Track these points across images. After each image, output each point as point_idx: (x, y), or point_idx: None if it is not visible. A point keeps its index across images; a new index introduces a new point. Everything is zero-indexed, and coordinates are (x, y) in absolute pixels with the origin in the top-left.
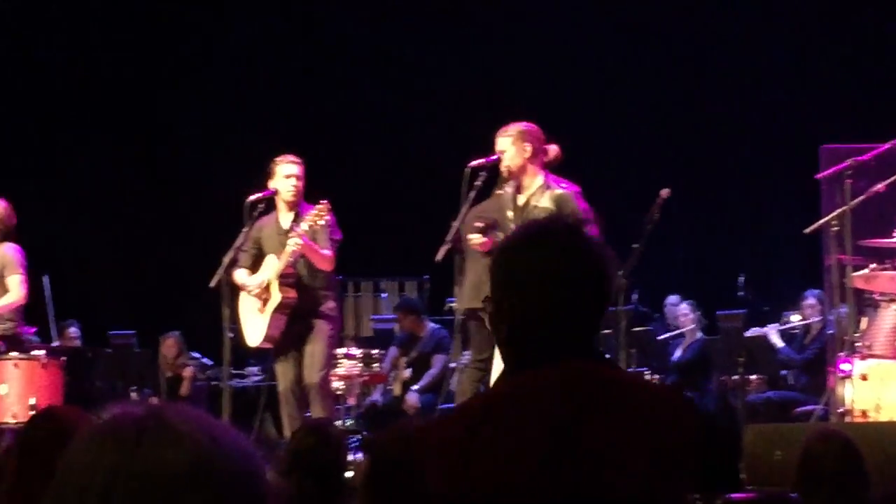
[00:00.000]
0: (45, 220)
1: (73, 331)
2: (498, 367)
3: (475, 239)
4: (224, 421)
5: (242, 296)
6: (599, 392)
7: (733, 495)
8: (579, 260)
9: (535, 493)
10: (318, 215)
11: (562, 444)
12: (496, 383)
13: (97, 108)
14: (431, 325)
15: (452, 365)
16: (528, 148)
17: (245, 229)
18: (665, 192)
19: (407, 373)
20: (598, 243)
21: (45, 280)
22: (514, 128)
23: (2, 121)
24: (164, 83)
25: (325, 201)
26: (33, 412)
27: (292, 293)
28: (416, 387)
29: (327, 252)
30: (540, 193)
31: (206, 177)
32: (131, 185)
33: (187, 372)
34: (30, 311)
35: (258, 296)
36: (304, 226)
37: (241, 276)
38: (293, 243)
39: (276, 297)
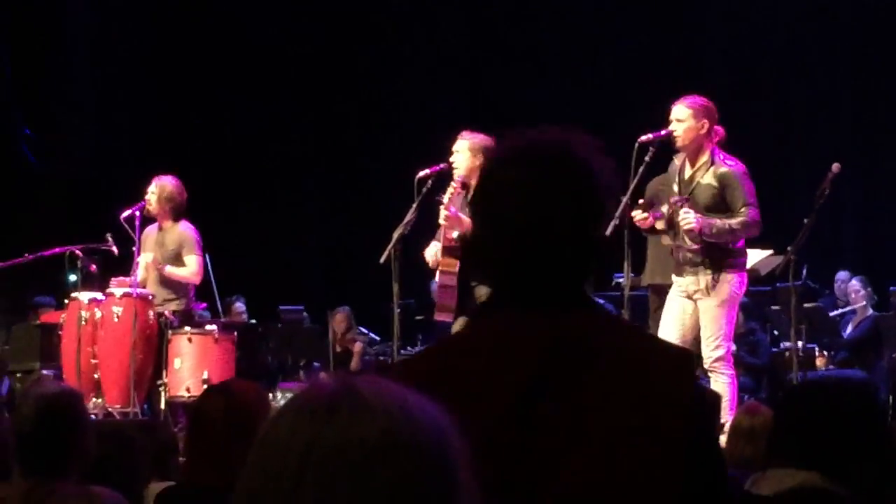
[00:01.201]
0: (212, 196)
1: (238, 306)
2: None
3: (637, 215)
4: (415, 392)
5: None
6: (576, 353)
7: None
8: (566, 180)
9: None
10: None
11: (521, 422)
12: (460, 329)
13: (266, 79)
14: (598, 300)
15: None
16: (706, 124)
17: (414, 205)
18: (836, 167)
19: None
20: (596, 167)
21: (207, 259)
22: (695, 100)
23: (164, 93)
24: (346, 59)
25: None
26: (206, 386)
27: (452, 262)
28: None
29: (467, 220)
30: (706, 169)
31: (376, 152)
32: (301, 159)
33: (357, 346)
34: (197, 286)
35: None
36: (444, 198)
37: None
38: (443, 216)
39: (441, 268)
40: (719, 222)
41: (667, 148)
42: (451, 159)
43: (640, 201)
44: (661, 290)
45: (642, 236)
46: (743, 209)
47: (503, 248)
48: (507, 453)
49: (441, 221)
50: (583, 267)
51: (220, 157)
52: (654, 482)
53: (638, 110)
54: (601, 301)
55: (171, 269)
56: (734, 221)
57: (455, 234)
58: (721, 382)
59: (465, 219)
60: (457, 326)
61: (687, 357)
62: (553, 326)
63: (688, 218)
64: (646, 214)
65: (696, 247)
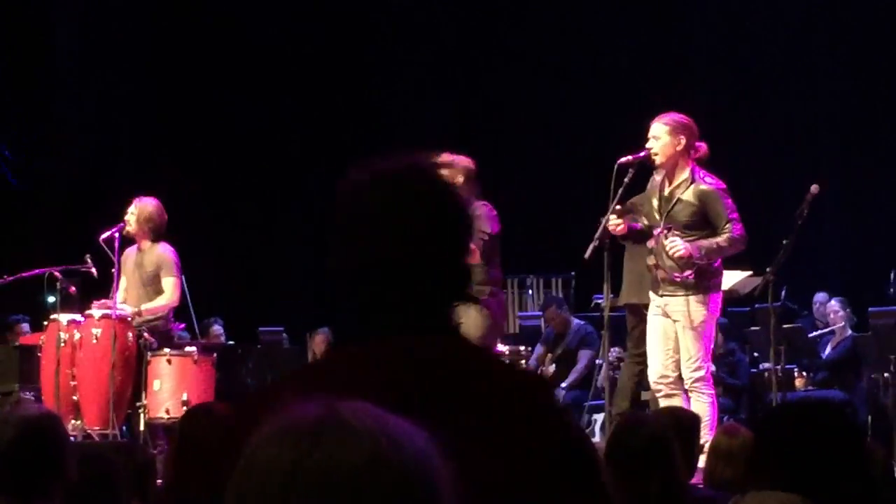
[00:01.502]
0: (188, 215)
1: (216, 328)
2: (652, 360)
3: (612, 221)
4: (399, 418)
5: None
6: (438, 378)
7: None
8: (422, 206)
9: None
10: None
11: None
12: (322, 355)
13: (249, 94)
14: (577, 321)
15: (599, 361)
16: (682, 140)
17: None
18: (815, 189)
19: (552, 369)
20: (451, 192)
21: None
22: (672, 118)
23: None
24: (313, 69)
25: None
26: (186, 408)
27: None
28: (564, 384)
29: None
30: (685, 187)
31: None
32: (281, 181)
33: None
34: (175, 309)
35: None
36: None
37: None
38: None
39: None
40: (706, 243)
41: (648, 168)
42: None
43: (618, 207)
44: (637, 310)
45: (621, 258)
46: (727, 225)
47: (361, 277)
48: None
49: None
50: (442, 292)
51: (198, 180)
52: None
53: (626, 119)
54: (581, 322)
55: (147, 307)
56: (720, 239)
57: None
58: (701, 403)
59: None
60: None
61: (542, 379)
62: (414, 352)
63: (676, 245)
64: (620, 221)
65: (687, 273)
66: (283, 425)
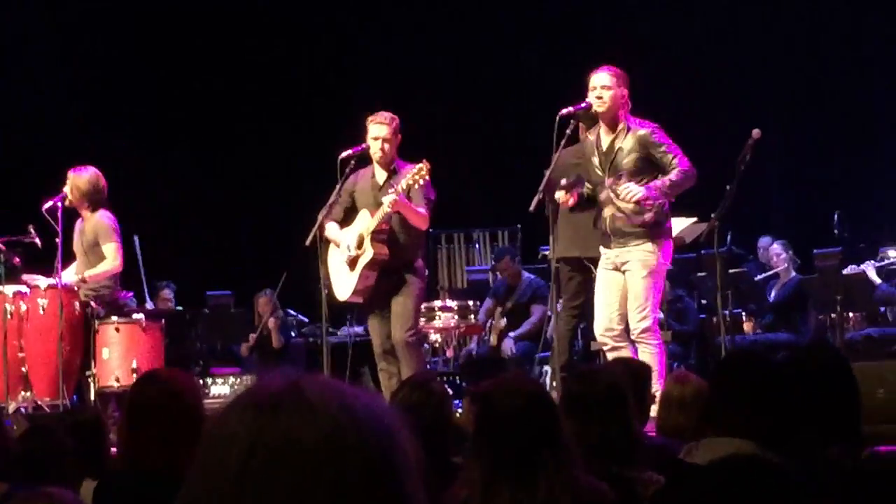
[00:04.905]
0: (137, 181)
1: (166, 292)
2: (598, 313)
3: (560, 196)
4: (363, 388)
5: (332, 249)
6: None
7: (882, 448)
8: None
9: None
10: (419, 175)
11: None
12: None
13: (194, 60)
14: (527, 274)
15: (548, 313)
16: (625, 92)
17: (338, 185)
18: (756, 133)
19: (503, 322)
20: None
21: (136, 241)
22: (615, 70)
23: (88, 75)
24: (257, 35)
25: (424, 161)
26: (136, 375)
27: (384, 250)
28: (512, 333)
29: (422, 210)
30: (623, 136)
31: (299, 133)
32: (223, 143)
33: (271, 323)
34: (124, 273)
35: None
36: (403, 184)
37: (332, 229)
38: (389, 200)
39: (368, 252)
40: (658, 182)
41: (587, 119)
42: (373, 145)
43: (563, 182)
44: (573, 263)
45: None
46: (673, 160)
47: None
48: None
49: (387, 205)
50: None
51: (144, 147)
52: None
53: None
54: (532, 276)
55: (90, 273)
56: (671, 175)
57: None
58: (648, 353)
59: (419, 210)
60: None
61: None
62: None
63: (630, 188)
64: (569, 195)
65: (648, 216)
66: (244, 399)
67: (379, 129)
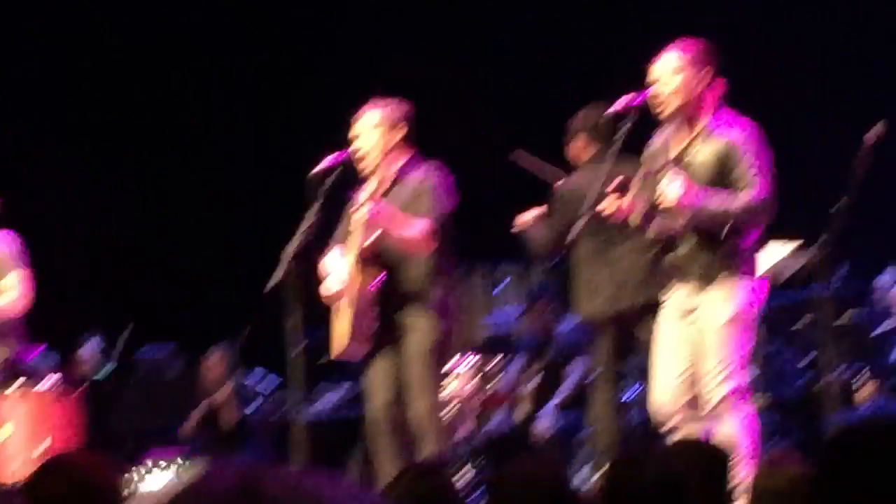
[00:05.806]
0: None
1: (88, 349)
2: (657, 378)
3: (606, 205)
4: (346, 479)
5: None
6: None
7: None
8: None
9: None
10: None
11: None
12: None
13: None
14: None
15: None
16: (708, 72)
17: (313, 210)
18: (879, 130)
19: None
20: None
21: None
22: (690, 45)
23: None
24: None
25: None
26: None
27: (370, 277)
28: (554, 401)
29: (420, 224)
30: (701, 140)
31: (257, 149)
32: (158, 163)
33: (222, 394)
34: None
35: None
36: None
37: (327, 261)
38: (360, 216)
39: (354, 287)
40: (724, 195)
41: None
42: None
43: (617, 180)
44: (604, 323)
45: None
46: (751, 182)
47: None
48: None
49: (359, 219)
50: None
51: (76, 168)
52: None
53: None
54: (570, 324)
55: None
56: (741, 196)
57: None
58: (734, 427)
59: (413, 222)
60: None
61: None
62: None
63: (675, 184)
64: (619, 202)
65: (680, 224)
66: (183, 500)
67: (358, 125)
